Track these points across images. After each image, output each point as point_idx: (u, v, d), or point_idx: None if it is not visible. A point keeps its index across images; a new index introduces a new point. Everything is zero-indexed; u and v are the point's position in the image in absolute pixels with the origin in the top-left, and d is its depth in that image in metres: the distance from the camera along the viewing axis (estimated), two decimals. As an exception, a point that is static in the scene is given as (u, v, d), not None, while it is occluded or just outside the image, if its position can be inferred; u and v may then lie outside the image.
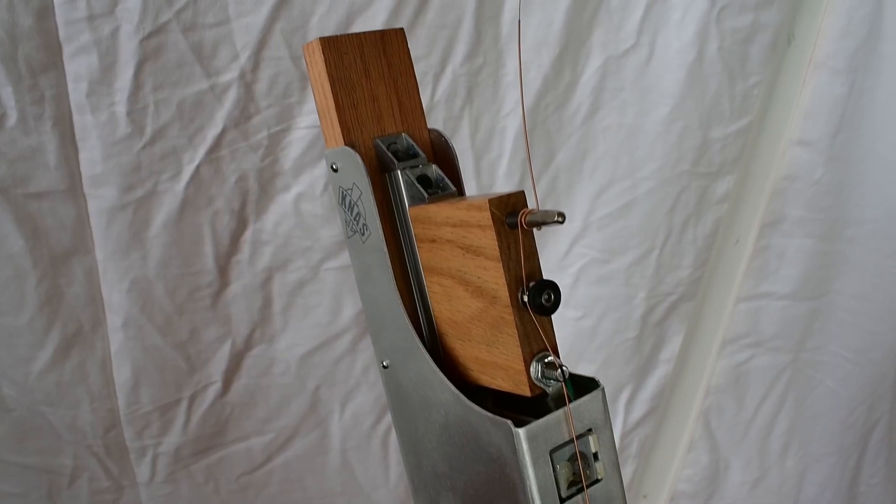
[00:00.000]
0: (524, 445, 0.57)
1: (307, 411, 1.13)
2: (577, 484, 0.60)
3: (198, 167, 0.95)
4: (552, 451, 0.59)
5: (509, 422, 0.57)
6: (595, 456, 0.62)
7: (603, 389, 0.63)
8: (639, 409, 1.26)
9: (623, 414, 1.25)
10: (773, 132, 1.14)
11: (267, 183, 0.97)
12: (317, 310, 1.05)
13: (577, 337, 1.16)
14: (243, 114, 0.93)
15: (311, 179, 0.98)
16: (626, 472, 1.33)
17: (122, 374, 1.04)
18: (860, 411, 1.42)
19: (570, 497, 0.60)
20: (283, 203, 0.99)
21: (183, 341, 1.03)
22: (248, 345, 1.06)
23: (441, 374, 0.63)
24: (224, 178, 0.95)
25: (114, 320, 1.00)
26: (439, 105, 0.97)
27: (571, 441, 0.60)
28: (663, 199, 1.10)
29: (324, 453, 1.17)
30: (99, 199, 0.94)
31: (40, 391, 1.02)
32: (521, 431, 0.57)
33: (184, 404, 1.08)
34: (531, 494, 0.58)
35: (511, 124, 1.01)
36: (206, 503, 1.17)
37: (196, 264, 0.99)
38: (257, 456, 1.15)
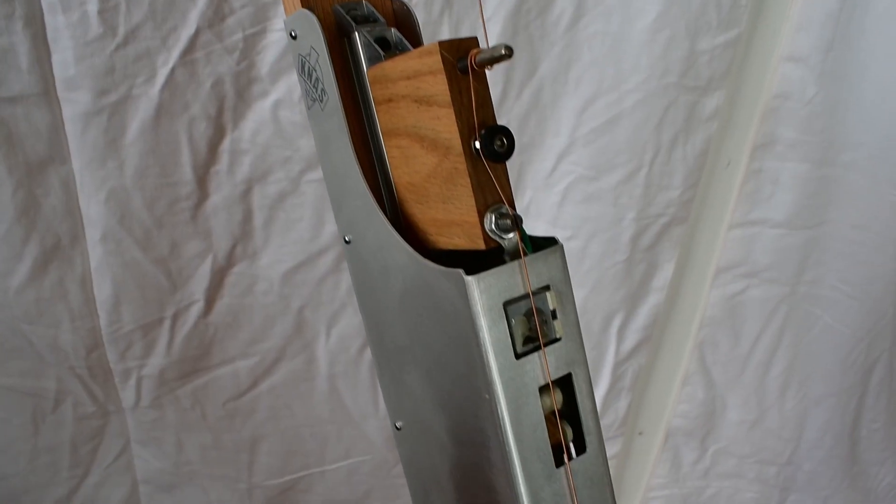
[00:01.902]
0: (475, 294, 0.56)
1: (292, 333, 1.12)
2: (535, 341, 0.59)
3: (172, 70, 0.94)
4: (506, 304, 0.58)
5: (461, 270, 0.56)
6: (553, 314, 0.60)
7: (562, 247, 0.61)
8: (631, 339, 1.24)
9: (615, 342, 1.23)
10: (762, 46, 1.11)
11: (244, 89, 0.96)
12: (298, 224, 1.04)
13: (565, 259, 1.14)
14: (217, 14, 0.92)
15: (288, 85, 0.97)
16: (621, 406, 1.31)
17: (102, 290, 1.03)
18: (859, 349, 1.40)
19: (526, 353, 0.59)
20: (260, 110, 0.98)
21: (163, 257, 1.03)
22: (230, 261, 1.05)
23: (397, 235, 0.61)
24: (199, 82, 0.94)
25: (92, 233, 0.99)
26: (418, 8, 0.96)
27: (527, 296, 0.59)
28: (650, 113, 1.08)
29: (311, 379, 1.16)
30: (73, 104, 0.93)
31: (19, 307, 1.01)
32: (472, 279, 0.56)
33: (166, 324, 1.07)
34: (485, 347, 0.57)
35: (492, 30, 0.99)
36: (193, 430, 1.17)
37: (174, 174, 0.98)
38: (243, 380, 1.14)
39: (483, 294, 0.56)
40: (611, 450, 1.37)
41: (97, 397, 1.11)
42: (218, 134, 0.98)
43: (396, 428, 0.70)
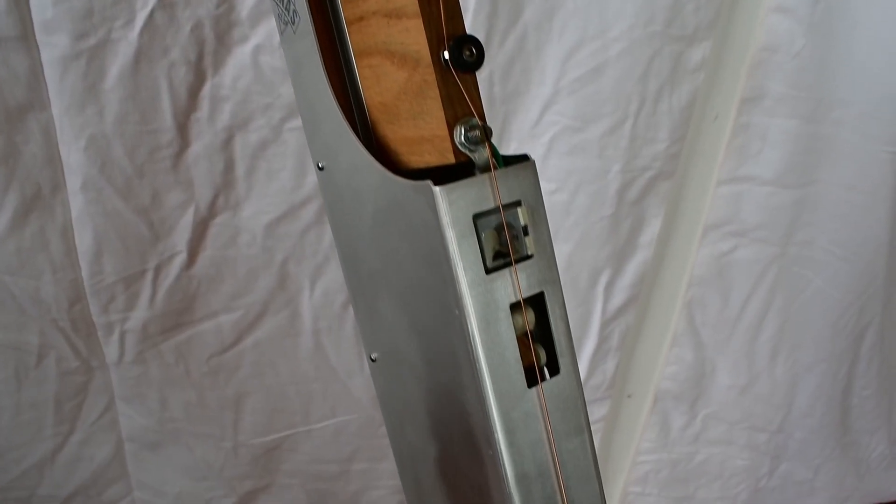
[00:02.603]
0: (444, 205, 0.55)
1: (276, 287, 1.11)
2: (505, 257, 0.58)
3: (151, 13, 0.93)
4: (476, 217, 0.57)
5: (429, 182, 0.55)
6: (525, 230, 0.60)
7: (534, 164, 0.60)
8: (618, 297, 1.23)
9: (602, 300, 1.22)
10: (750, -5, 1.11)
11: (223, 33, 0.95)
12: (280, 174, 1.03)
13: (551, 213, 1.12)
14: (194, -48, 0.91)
15: (268, 30, 0.96)
16: (609, 368, 1.31)
17: (83, 241, 1.02)
18: (850, 314, 1.39)
19: (496, 269, 0.58)
20: (240, 55, 0.97)
21: (145, 206, 1.02)
22: (212, 212, 1.04)
23: (369, 155, 0.61)
24: (179, 25, 0.93)
25: (73, 182, 0.99)
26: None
27: (497, 210, 0.58)
28: (635, 63, 1.07)
29: (295, 335, 1.15)
30: (52, 48, 0.92)
31: (0, 258, 1.00)
32: (440, 189, 0.55)
33: (149, 276, 1.06)
34: (454, 261, 0.56)
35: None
36: (177, 386, 1.16)
37: (154, 121, 0.97)
38: (227, 335, 1.13)
39: (452, 205, 0.56)
40: (598, 412, 1.37)
41: (80, 352, 1.11)
42: (198, 80, 0.97)
43: (371, 360, 0.69)
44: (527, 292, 0.59)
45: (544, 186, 1.10)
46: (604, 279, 1.21)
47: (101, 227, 1.01)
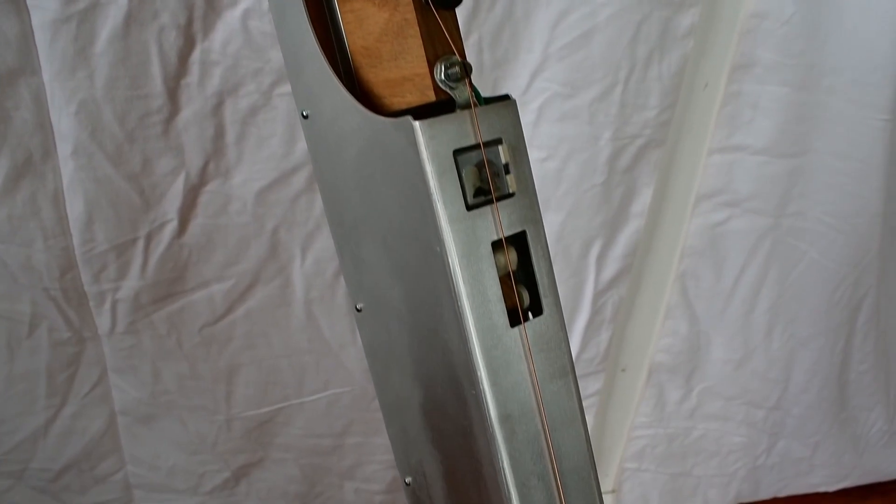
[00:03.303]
0: (424, 140, 0.55)
1: (267, 255, 1.11)
2: (487, 194, 0.58)
3: (140, -25, 0.93)
4: (456, 153, 0.57)
5: (409, 116, 0.55)
6: (506, 169, 0.60)
7: (515, 103, 0.61)
8: (611, 267, 1.23)
9: (594, 270, 1.22)
10: (738, -40, 1.11)
11: (213, -4, 0.96)
12: (271, 140, 1.03)
13: (542, 181, 1.13)
14: (184, -85, 0.91)
15: (257, -6, 0.96)
16: (602, 340, 1.31)
17: (74, 208, 1.02)
18: (846, 286, 1.39)
19: (477, 206, 0.58)
20: (230, 20, 0.97)
21: (135, 173, 1.02)
22: (203, 179, 1.04)
23: (350, 97, 0.61)
24: (168, -12, 0.94)
25: (63, 148, 0.99)
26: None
27: (478, 146, 0.58)
28: (623, 28, 1.07)
29: (287, 305, 1.15)
30: (42, 11, 0.92)
31: (-8, 225, 1.01)
32: (420, 124, 0.55)
33: (140, 244, 1.06)
34: (434, 197, 0.56)
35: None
36: (169, 358, 1.16)
37: (144, 86, 0.97)
38: (219, 305, 1.13)
39: (432, 140, 0.56)
40: (593, 386, 1.37)
41: (72, 322, 1.11)
42: (188, 44, 0.97)
43: (357, 310, 0.69)
44: (508, 231, 0.59)
45: (535, 155, 1.11)
46: (595, 249, 1.21)
47: (92, 194, 1.01)
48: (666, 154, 1.18)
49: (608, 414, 1.46)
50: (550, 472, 0.63)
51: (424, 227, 0.58)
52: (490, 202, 0.58)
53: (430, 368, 0.65)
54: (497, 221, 0.58)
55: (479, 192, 0.58)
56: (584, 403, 1.35)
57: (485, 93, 0.60)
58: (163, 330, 1.13)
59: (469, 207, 0.57)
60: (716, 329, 1.39)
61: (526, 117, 1.08)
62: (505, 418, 0.60)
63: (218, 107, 1.00)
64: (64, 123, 0.97)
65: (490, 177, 0.58)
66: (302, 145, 1.03)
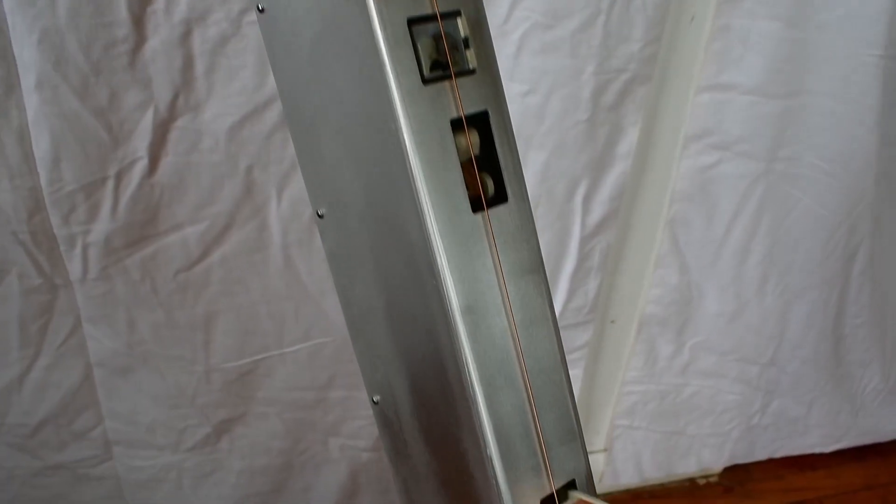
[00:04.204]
0: (373, 6, 0.52)
1: (241, 197, 1.08)
2: (445, 69, 0.55)
3: None
4: (411, 22, 0.54)
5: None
6: (466, 43, 0.57)
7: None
8: (597, 211, 1.20)
9: (580, 213, 1.19)
10: None
11: (177, -84, 0.93)
12: (242, 72, 1.00)
13: (524, 117, 1.10)
14: None
15: (223, -86, 0.93)
16: (590, 289, 1.27)
17: (41, 145, 0.99)
18: (840, 234, 1.36)
19: (435, 80, 0.55)
20: (195, -58, 0.94)
21: (102, 108, 0.99)
22: (173, 114, 1.01)
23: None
24: None
25: (27, 80, 0.95)
26: None
27: (435, 17, 0.55)
28: (605, -47, 1.04)
29: (264, 249, 1.12)
30: (-1, -67, 0.89)
31: (-45, 164, 0.98)
32: (370, -14, 0.52)
33: (110, 184, 1.03)
34: (387, 68, 0.53)
35: None
36: (144, 305, 1.13)
37: (109, 13, 0.94)
38: (193, 249, 1.10)
39: (385, 7, 0.52)
40: (581, 337, 1.33)
41: (43, 268, 1.08)
42: (153, -33, 0.94)
43: (319, 216, 0.66)
44: (469, 109, 0.56)
45: (516, 88, 1.07)
46: (581, 191, 1.17)
47: (59, 131, 0.98)
48: (652, 92, 1.15)
49: (598, 368, 1.42)
50: (518, 371, 0.60)
51: (379, 103, 0.55)
52: (448, 77, 0.55)
53: (393, 268, 0.62)
54: (456, 97, 0.55)
55: (436, 65, 0.55)
56: (574, 356, 1.32)
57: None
58: (136, 276, 1.10)
59: (425, 81, 0.54)
60: (708, 280, 1.36)
61: (506, 49, 1.04)
62: (467, 310, 0.57)
63: (186, 36, 0.97)
64: (27, 54, 0.94)
65: (448, 50, 0.55)
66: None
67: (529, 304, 0.60)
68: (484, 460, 0.60)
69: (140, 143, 1.01)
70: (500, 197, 0.59)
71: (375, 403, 0.71)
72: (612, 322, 1.38)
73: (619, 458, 1.53)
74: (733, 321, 1.42)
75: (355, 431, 1.33)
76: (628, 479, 1.57)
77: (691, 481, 1.63)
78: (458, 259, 0.56)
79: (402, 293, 0.61)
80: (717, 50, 1.14)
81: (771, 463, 1.66)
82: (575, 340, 1.33)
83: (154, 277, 1.11)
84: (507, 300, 0.59)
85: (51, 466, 1.23)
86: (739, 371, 1.50)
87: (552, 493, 0.62)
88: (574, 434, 0.64)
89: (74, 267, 1.08)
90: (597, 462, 1.52)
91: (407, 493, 0.73)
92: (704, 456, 1.58)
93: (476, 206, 0.57)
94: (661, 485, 1.61)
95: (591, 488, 0.65)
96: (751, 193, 1.28)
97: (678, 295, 1.35)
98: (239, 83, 0.99)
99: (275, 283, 1.15)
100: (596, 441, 1.50)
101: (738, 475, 1.65)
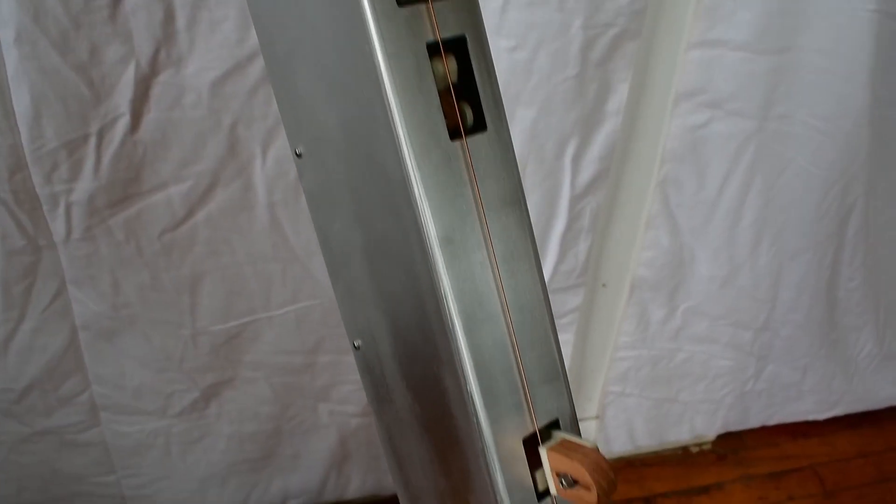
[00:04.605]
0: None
1: (226, 154, 1.06)
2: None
3: None
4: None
5: None
6: (442, -35, 0.55)
7: None
8: (587, 170, 1.19)
9: (570, 172, 1.18)
10: None
11: None
12: (224, 25, 0.98)
13: (511, 74, 1.09)
14: None
15: None
16: (581, 250, 1.26)
17: (21, 101, 0.97)
18: (834, 194, 1.34)
19: (410, 2, 0.54)
20: None
21: (83, 62, 0.97)
22: (154, 69, 1.00)
23: None
24: None
25: (6, 34, 0.94)
26: None
27: (409, -64, 0.53)
28: None
29: (249, 208, 1.11)
30: None
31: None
32: None
33: (92, 141, 1.02)
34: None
35: None
36: (129, 267, 1.12)
37: (87, -35, 0.93)
38: (178, 209, 1.09)
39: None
40: (573, 301, 1.32)
41: (26, 229, 1.06)
42: (130, -83, 0.93)
43: (297, 155, 0.65)
44: (446, 33, 0.55)
45: (502, 43, 1.06)
46: (571, 149, 1.16)
47: (39, 86, 0.97)
48: (642, 48, 1.14)
49: (589, 332, 1.41)
50: (499, 305, 0.59)
51: (353, 26, 0.53)
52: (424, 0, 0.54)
53: (370, 202, 0.60)
54: (432, 20, 0.54)
55: (411, -14, 0.53)
56: (565, 320, 1.31)
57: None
58: (120, 236, 1.09)
59: (400, 3, 0.53)
60: (699, 242, 1.35)
61: (492, 3, 1.03)
62: (446, 241, 0.56)
63: (166, -13, 0.96)
64: (4, 7, 0.92)
65: (423, -30, 0.53)
66: (257, 31, 0.98)
67: (511, 236, 0.59)
68: (465, 398, 0.59)
69: (122, 98, 1.00)
70: (478, 126, 0.57)
71: (357, 348, 0.70)
72: (604, 286, 1.37)
73: (611, 426, 1.52)
74: (726, 285, 1.41)
75: (345, 396, 1.32)
76: (621, 446, 1.57)
77: (684, 449, 1.62)
78: (435, 188, 0.55)
79: (381, 228, 0.60)
80: (708, 5, 1.12)
81: (764, 430, 1.66)
82: (566, 304, 1.32)
83: (139, 238, 1.10)
84: (486, 231, 0.57)
85: (38, 432, 1.22)
86: (732, 336, 1.49)
87: (535, 432, 0.61)
88: (558, 373, 0.63)
89: (58, 227, 1.06)
90: (589, 430, 1.51)
91: (390, 440, 0.72)
92: (697, 423, 1.57)
93: (454, 135, 0.56)
94: (655, 452, 1.60)
95: (575, 429, 0.64)
96: (743, 153, 1.27)
97: (670, 257, 1.34)
98: (221, 36, 0.98)
99: (261, 243, 1.14)
100: (588, 408, 1.49)
101: (731, 443, 1.64)
